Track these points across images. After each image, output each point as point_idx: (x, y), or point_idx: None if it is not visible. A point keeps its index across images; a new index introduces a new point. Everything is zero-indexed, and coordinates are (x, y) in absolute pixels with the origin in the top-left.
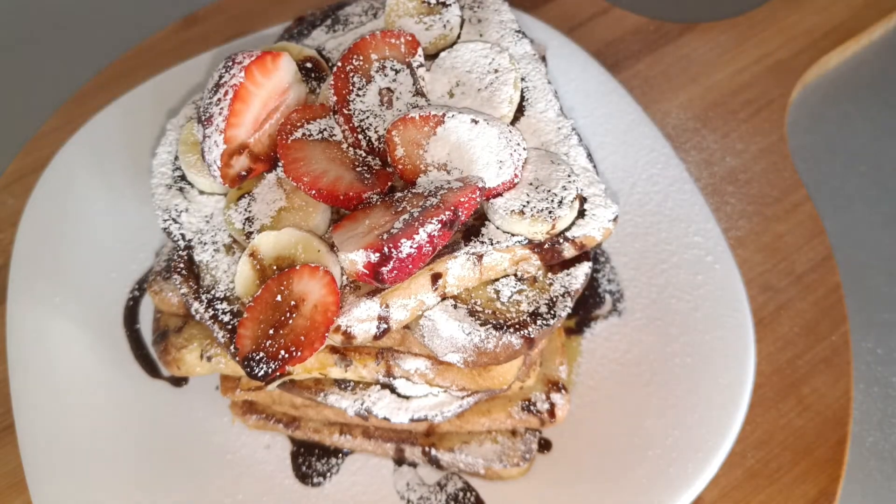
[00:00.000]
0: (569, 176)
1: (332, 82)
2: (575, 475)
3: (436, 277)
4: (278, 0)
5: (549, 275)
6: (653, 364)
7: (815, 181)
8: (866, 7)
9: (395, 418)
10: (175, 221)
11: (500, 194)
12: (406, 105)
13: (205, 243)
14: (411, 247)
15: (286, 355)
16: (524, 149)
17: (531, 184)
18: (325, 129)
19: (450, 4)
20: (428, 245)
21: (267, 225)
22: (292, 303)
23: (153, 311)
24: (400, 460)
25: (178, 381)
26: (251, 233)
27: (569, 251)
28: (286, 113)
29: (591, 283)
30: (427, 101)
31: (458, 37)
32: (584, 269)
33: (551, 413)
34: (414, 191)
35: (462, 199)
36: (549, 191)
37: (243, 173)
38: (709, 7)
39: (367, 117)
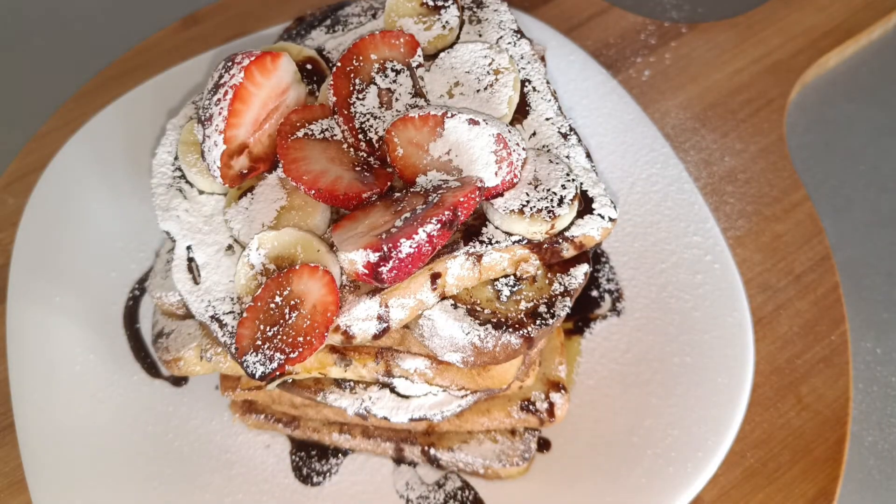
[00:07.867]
0: (568, 175)
1: (332, 83)
2: (574, 475)
3: (435, 277)
4: (278, 0)
5: (549, 274)
6: (652, 364)
7: (814, 181)
8: (866, 7)
9: (394, 418)
10: (175, 221)
11: (499, 194)
12: (405, 106)
13: (205, 243)
14: (411, 246)
15: (285, 355)
16: (524, 149)
17: (530, 183)
18: (325, 130)
19: (449, 5)
20: (427, 245)
21: (267, 224)
22: (292, 302)
23: (153, 311)
24: (399, 459)
25: (178, 381)
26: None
27: (568, 251)
28: (286, 113)
29: (591, 283)
30: (426, 102)
31: (458, 37)
32: (584, 268)
33: (550, 412)
34: (413, 190)
35: (461, 199)
36: (549, 190)
37: (243, 173)
38: (709, 7)
39: (367, 119)
